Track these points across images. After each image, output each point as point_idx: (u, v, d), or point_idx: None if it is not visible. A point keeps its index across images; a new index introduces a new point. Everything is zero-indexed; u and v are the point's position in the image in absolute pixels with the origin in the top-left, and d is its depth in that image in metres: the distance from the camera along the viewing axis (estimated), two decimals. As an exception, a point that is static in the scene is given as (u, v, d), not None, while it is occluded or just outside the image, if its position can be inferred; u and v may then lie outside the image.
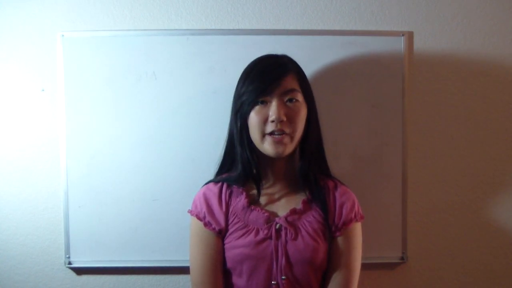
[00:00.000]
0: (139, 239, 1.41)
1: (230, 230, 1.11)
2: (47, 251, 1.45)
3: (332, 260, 1.12)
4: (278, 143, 1.07)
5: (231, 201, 1.14)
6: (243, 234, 1.09)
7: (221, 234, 1.12)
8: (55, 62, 1.41)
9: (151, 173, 1.40)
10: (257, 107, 1.08)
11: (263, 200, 1.15)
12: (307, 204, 1.13)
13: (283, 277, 1.07)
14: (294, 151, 1.14)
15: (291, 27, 1.43)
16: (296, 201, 1.14)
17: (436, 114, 1.45)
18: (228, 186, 1.16)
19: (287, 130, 1.07)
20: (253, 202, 1.13)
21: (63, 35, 1.40)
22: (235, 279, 1.11)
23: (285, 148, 1.08)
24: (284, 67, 1.10)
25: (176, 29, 1.42)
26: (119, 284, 1.45)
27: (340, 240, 1.12)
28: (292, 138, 1.08)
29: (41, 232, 1.44)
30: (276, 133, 1.07)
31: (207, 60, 1.40)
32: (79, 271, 1.45)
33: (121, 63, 1.40)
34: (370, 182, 1.41)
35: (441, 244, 1.47)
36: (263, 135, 1.08)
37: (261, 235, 1.08)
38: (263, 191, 1.15)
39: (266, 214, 1.11)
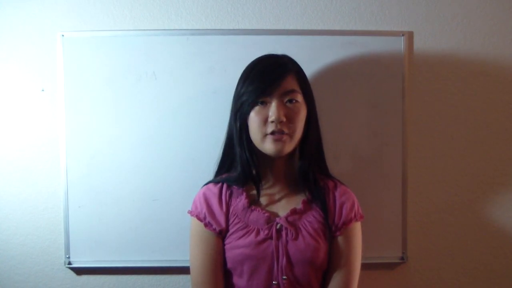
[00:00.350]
0: (139, 239, 1.41)
1: (231, 231, 1.11)
2: (47, 251, 1.45)
3: (332, 260, 1.12)
4: (277, 140, 1.07)
5: (231, 201, 1.14)
6: (244, 235, 1.09)
7: (222, 234, 1.12)
8: (55, 62, 1.41)
9: (151, 173, 1.40)
10: (257, 108, 1.08)
11: (263, 200, 1.15)
12: (307, 204, 1.13)
13: (284, 277, 1.07)
14: (293, 152, 1.14)
15: (291, 27, 1.43)
16: (296, 201, 1.14)
17: (436, 114, 1.45)
18: (228, 187, 1.16)
19: (287, 131, 1.07)
20: (253, 202, 1.13)
21: (63, 35, 1.40)
22: (236, 280, 1.11)
23: (284, 146, 1.07)
24: (284, 68, 1.10)
25: (176, 29, 1.42)
26: (119, 284, 1.45)
27: (340, 239, 1.12)
28: (291, 137, 1.08)
29: (41, 232, 1.44)
30: (275, 133, 1.07)
31: (207, 60, 1.40)
32: (79, 271, 1.45)
33: (121, 63, 1.40)
34: (370, 182, 1.41)
35: (441, 244, 1.47)
36: (264, 135, 1.08)
37: (262, 235, 1.09)
38: (263, 192, 1.15)
39: (266, 214, 1.11)
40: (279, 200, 1.15)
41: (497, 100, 1.46)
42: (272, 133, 1.07)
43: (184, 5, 1.43)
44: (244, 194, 1.14)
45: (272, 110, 1.06)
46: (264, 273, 1.07)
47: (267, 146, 1.08)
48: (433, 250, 1.47)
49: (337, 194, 1.16)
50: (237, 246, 1.09)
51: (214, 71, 1.40)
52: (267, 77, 1.08)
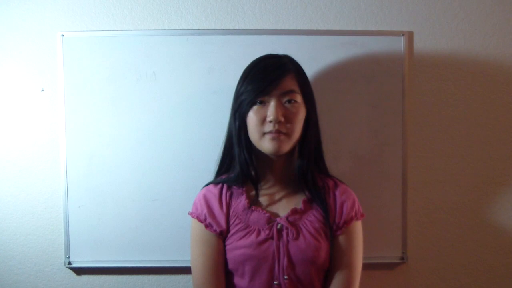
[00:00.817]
0: (139, 239, 1.41)
1: (232, 231, 1.11)
2: (47, 251, 1.45)
3: (333, 259, 1.12)
4: (274, 139, 1.07)
5: (231, 202, 1.14)
6: (245, 235, 1.09)
7: (222, 235, 1.12)
8: (55, 62, 1.41)
9: (151, 173, 1.40)
10: (255, 107, 1.08)
11: (264, 200, 1.15)
12: (307, 204, 1.14)
13: (285, 277, 1.07)
14: (292, 152, 1.14)
15: (291, 27, 1.43)
16: (297, 201, 1.15)
17: (436, 114, 1.45)
18: (228, 188, 1.16)
19: (284, 131, 1.07)
20: (253, 202, 1.13)
21: (63, 35, 1.40)
22: (237, 280, 1.11)
23: (282, 145, 1.07)
24: (284, 68, 1.10)
25: (176, 29, 1.42)
26: (119, 284, 1.45)
27: (341, 238, 1.12)
28: (289, 137, 1.08)
29: (41, 232, 1.44)
30: (273, 132, 1.07)
31: (207, 60, 1.40)
32: (79, 271, 1.45)
33: (121, 63, 1.40)
34: (370, 182, 1.41)
35: (441, 244, 1.47)
36: (262, 134, 1.08)
37: (263, 235, 1.09)
38: (263, 192, 1.15)
39: (267, 214, 1.11)
40: (279, 200, 1.15)
41: (497, 100, 1.46)
42: (270, 132, 1.07)
43: (184, 5, 1.43)
44: (244, 194, 1.14)
45: (271, 110, 1.06)
46: (266, 273, 1.07)
47: (265, 145, 1.08)
48: (433, 250, 1.47)
49: (337, 193, 1.16)
50: (238, 247, 1.09)
51: (214, 71, 1.40)
52: (267, 77, 1.08)
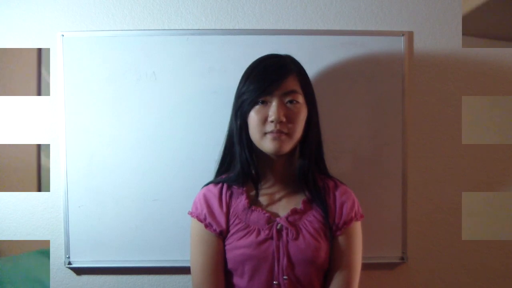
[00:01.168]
0: (139, 239, 1.41)
1: (232, 231, 1.11)
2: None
3: (333, 259, 1.12)
4: (275, 139, 1.07)
5: (231, 202, 1.14)
6: (245, 235, 1.09)
7: (222, 235, 1.12)
8: (55, 62, 1.41)
9: (151, 173, 1.40)
10: (257, 107, 1.08)
11: (263, 200, 1.15)
12: (307, 204, 1.14)
13: (285, 277, 1.07)
14: (293, 152, 1.14)
15: (291, 27, 1.43)
16: (297, 201, 1.15)
17: (436, 114, 1.45)
18: (228, 187, 1.16)
19: (286, 131, 1.07)
20: (253, 202, 1.13)
21: (63, 35, 1.40)
22: (237, 280, 1.11)
23: (283, 144, 1.07)
24: (286, 68, 1.10)
25: (176, 29, 1.42)
26: (119, 284, 1.45)
27: (341, 239, 1.12)
28: (290, 137, 1.08)
29: (41, 232, 1.44)
30: (274, 132, 1.07)
31: (207, 60, 1.40)
32: (79, 271, 1.45)
33: (121, 63, 1.40)
34: (370, 182, 1.41)
35: (441, 244, 1.47)
36: (263, 134, 1.08)
37: (263, 235, 1.09)
38: (263, 191, 1.15)
39: (267, 214, 1.11)
40: (279, 200, 1.15)
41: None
42: (271, 132, 1.07)
43: (184, 5, 1.43)
44: (245, 194, 1.14)
45: (272, 110, 1.06)
46: (265, 273, 1.07)
47: (266, 145, 1.08)
48: (433, 250, 1.47)
49: (337, 193, 1.16)
50: (238, 247, 1.09)
51: (214, 71, 1.40)
52: (268, 77, 1.08)
